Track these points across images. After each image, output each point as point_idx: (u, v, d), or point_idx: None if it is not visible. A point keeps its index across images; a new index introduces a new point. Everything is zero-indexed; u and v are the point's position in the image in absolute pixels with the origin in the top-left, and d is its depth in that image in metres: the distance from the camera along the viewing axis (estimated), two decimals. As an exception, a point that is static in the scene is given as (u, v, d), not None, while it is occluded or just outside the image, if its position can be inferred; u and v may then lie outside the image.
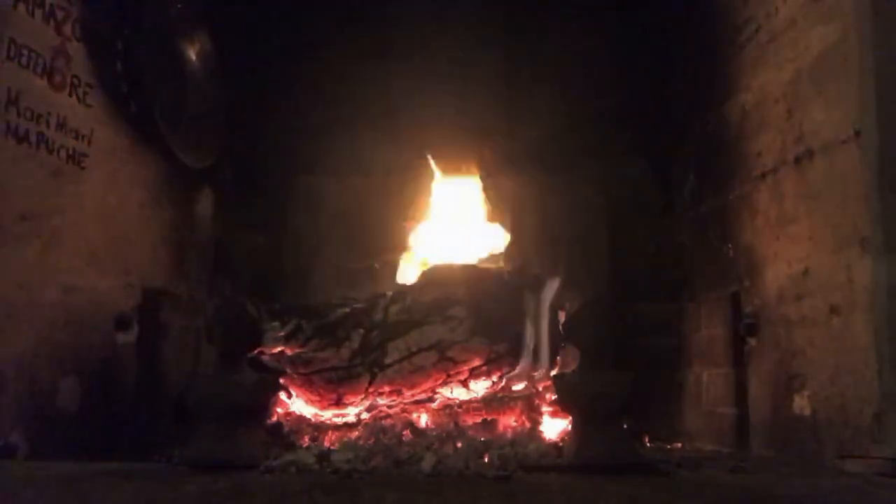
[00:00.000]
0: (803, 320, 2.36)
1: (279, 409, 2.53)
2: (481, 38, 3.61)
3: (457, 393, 2.47)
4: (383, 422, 2.39)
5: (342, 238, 3.45)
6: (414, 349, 2.41)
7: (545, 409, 2.50)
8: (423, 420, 2.43)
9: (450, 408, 2.45)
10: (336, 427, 2.44)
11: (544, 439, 2.32)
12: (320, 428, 2.45)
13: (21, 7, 2.24)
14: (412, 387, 2.43)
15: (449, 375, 2.44)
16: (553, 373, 2.45)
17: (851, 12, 2.12)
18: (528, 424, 2.42)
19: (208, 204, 3.34)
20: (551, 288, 2.54)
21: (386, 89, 3.57)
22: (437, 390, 2.46)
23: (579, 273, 3.24)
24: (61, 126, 2.39)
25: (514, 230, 3.14)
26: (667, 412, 3.25)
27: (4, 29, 2.17)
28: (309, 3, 3.66)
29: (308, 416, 2.51)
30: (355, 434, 2.33)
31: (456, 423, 2.37)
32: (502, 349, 2.45)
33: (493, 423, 2.42)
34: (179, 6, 2.98)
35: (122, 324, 2.67)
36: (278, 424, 2.45)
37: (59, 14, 2.39)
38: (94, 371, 2.52)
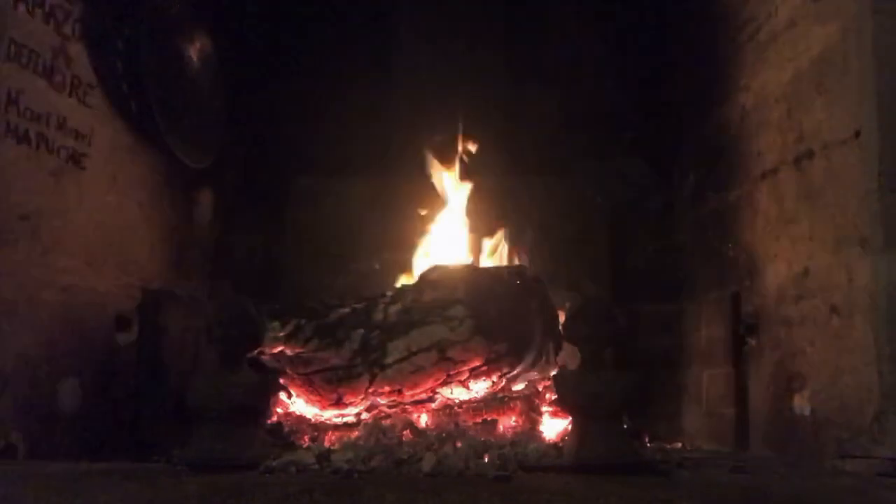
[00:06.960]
0: (803, 320, 2.36)
1: (279, 409, 2.52)
2: (482, 39, 3.62)
3: (457, 393, 2.47)
4: (383, 422, 2.38)
5: (342, 238, 3.45)
6: (414, 349, 2.40)
7: (545, 409, 2.50)
8: (423, 420, 2.42)
9: (450, 408, 2.45)
10: (336, 427, 2.44)
11: (544, 439, 2.31)
12: (320, 428, 2.44)
13: (21, 7, 2.24)
14: (412, 387, 2.43)
15: (449, 375, 2.43)
16: (553, 373, 2.45)
17: (851, 12, 2.12)
18: (528, 424, 2.42)
19: (208, 204, 3.34)
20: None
21: (386, 90, 3.57)
22: (437, 390, 2.45)
23: (579, 273, 3.26)
24: (61, 126, 2.39)
25: (514, 230, 3.14)
26: (667, 412, 3.25)
27: (4, 29, 2.17)
28: (309, 4, 3.67)
29: (308, 416, 2.51)
30: (355, 434, 2.32)
31: (456, 423, 2.36)
32: (502, 349, 2.45)
33: (493, 423, 2.41)
34: (179, 6, 2.98)
35: (122, 324, 2.67)
36: (278, 424, 2.44)
37: (59, 14, 2.39)
38: (94, 371, 2.52)
